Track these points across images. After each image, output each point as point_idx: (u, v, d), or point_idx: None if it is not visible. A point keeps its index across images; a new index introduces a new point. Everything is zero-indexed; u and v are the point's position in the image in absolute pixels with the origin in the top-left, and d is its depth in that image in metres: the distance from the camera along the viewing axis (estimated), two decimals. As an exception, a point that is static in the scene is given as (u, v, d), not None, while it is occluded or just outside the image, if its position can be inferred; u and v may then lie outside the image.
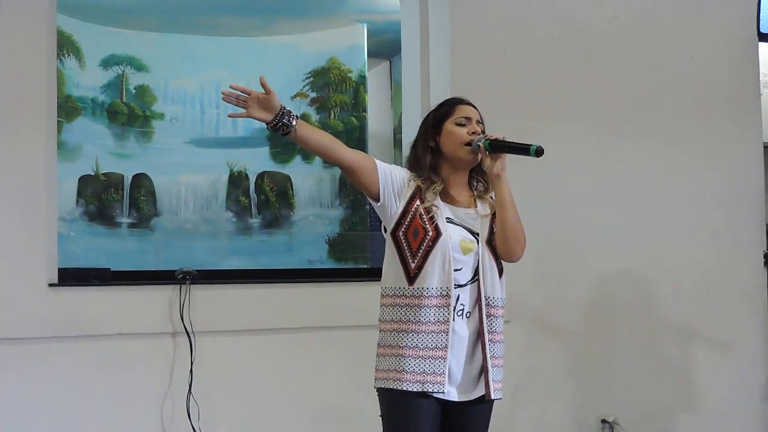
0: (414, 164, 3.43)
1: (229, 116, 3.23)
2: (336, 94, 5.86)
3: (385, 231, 3.38)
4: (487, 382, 3.32)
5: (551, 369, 5.75)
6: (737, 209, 6.21)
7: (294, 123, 3.14)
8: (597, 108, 5.94)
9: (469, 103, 3.50)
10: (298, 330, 5.14)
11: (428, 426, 3.30)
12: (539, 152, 3.28)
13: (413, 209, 3.30)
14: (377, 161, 3.31)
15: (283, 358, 5.12)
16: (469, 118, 3.41)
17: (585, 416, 5.81)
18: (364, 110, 5.89)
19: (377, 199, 3.32)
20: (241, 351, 5.05)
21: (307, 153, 5.79)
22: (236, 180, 5.63)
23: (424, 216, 3.29)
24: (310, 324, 5.17)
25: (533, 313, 5.70)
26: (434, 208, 3.30)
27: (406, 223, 3.30)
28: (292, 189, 5.67)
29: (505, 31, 5.70)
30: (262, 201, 5.65)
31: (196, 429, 4.85)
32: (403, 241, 3.30)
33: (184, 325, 4.87)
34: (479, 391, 3.34)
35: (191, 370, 4.86)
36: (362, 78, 5.91)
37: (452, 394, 3.29)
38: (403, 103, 5.79)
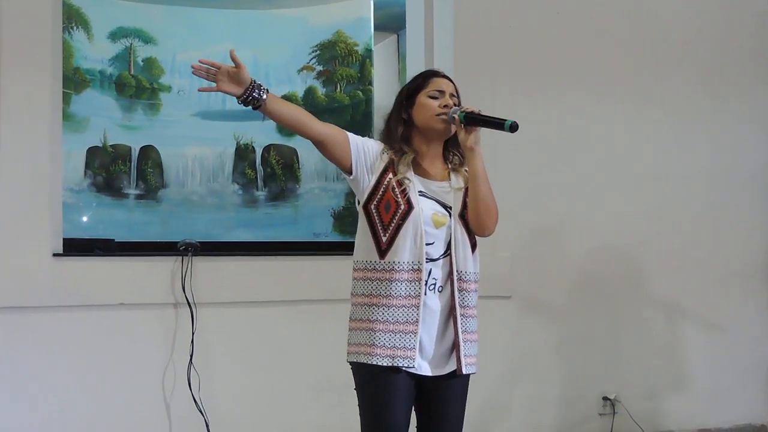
0: (387, 137, 3.45)
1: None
2: (342, 68, 5.86)
3: (358, 204, 3.39)
4: (459, 357, 3.34)
5: (552, 346, 5.80)
6: (742, 187, 6.20)
7: (264, 96, 3.16)
8: (601, 84, 5.95)
9: (445, 76, 3.49)
10: (299, 302, 5.21)
11: (401, 400, 3.32)
12: (513, 127, 3.25)
13: (385, 182, 3.31)
14: (349, 134, 3.34)
15: (283, 330, 5.19)
16: (442, 91, 3.41)
17: (586, 393, 5.86)
18: (370, 84, 5.89)
19: (350, 173, 3.34)
20: (242, 322, 5.14)
21: None
22: (243, 153, 5.64)
23: (397, 189, 3.29)
24: (311, 297, 5.23)
25: (533, 290, 5.74)
26: (407, 181, 3.31)
27: (378, 196, 3.30)
28: (298, 162, 5.68)
29: (509, 5, 5.71)
30: (269, 174, 5.66)
31: (196, 399, 4.93)
32: (375, 214, 3.30)
33: (185, 296, 4.95)
34: (452, 366, 3.36)
35: (192, 341, 4.96)
36: (368, 51, 5.90)
37: (425, 368, 3.31)
38: (407, 77, 5.77)
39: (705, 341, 6.18)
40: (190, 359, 4.96)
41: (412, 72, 5.76)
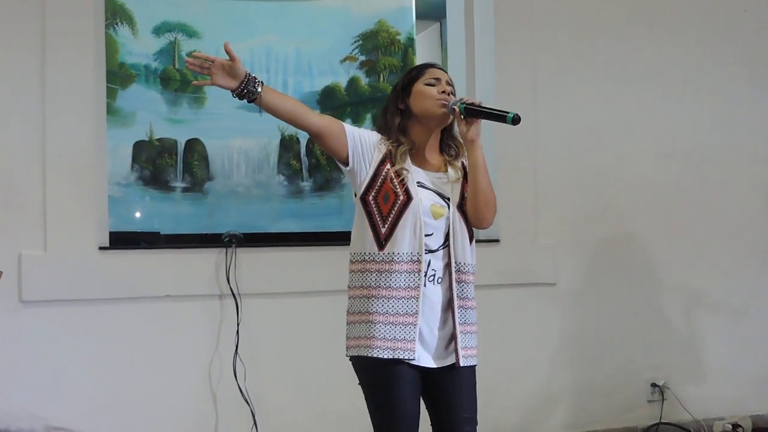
0: (383, 128, 3.40)
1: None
2: (385, 57, 5.83)
3: (355, 196, 3.35)
4: (456, 349, 3.28)
5: (599, 333, 5.74)
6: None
7: (259, 89, 3.12)
8: (644, 67, 5.88)
9: (440, 67, 3.45)
10: (343, 292, 5.12)
11: (407, 390, 3.27)
12: (516, 120, 3.18)
13: (383, 173, 3.27)
14: (345, 125, 3.29)
15: (328, 319, 5.09)
16: (438, 79, 3.36)
17: (634, 380, 5.79)
18: (413, 72, 5.82)
19: (346, 164, 3.30)
20: (286, 313, 5.14)
21: (357, 117, 5.80)
22: (287, 144, 5.64)
23: (395, 180, 3.25)
24: (356, 286, 5.17)
25: (578, 276, 5.67)
26: (405, 172, 3.27)
27: (377, 187, 3.26)
28: (334, 154, 5.63)
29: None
30: (313, 164, 5.65)
31: (242, 389, 4.93)
32: (374, 205, 3.26)
33: (230, 288, 4.94)
34: (453, 358, 3.31)
35: (237, 332, 4.95)
36: (410, 40, 5.87)
37: (426, 360, 3.27)
38: (449, 65, 5.74)
39: (756, 327, 6.08)
40: (236, 350, 4.97)
41: (454, 60, 5.78)
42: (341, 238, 5.43)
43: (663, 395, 5.82)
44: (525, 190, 5.57)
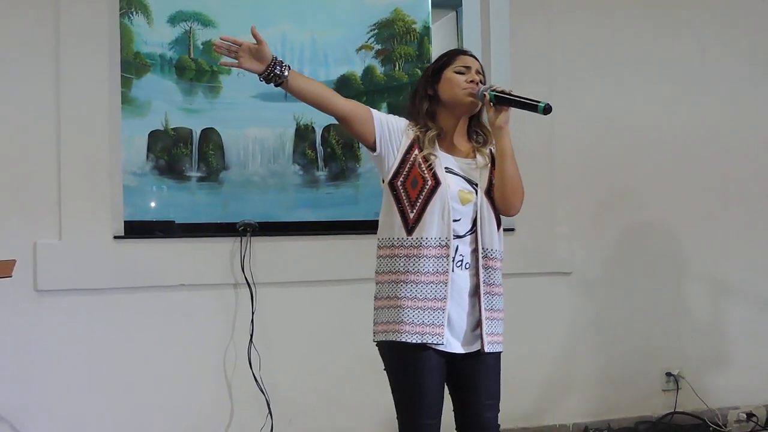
0: (412, 113, 3.40)
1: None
2: (400, 46, 5.76)
3: (383, 182, 3.34)
4: (482, 335, 3.26)
5: (614, 322, 5.70)
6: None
7: (286, 73, 3.12)
8: (661, 56, 5.83)
9: (471, 55, 3.44)
10: (358, 281, 5.10)
11: (433, 378, 3.26)
12: (547, 110, 3.17)
13: (411, 158, 3.25)
14: (373, 110, 3.28)
15: (343, 308, 5.13)
16: (468, 67, 3.36)
17: (649, 369, 5.76)
18: (429, 61, 5.75)
19: (374, 149, 3.29)
20: (301, 302, 5.12)
21: (373, 106, 5.37)
22: (303, 133, 5.58)
23: (423, 165, 3.23)
24: (371, 275, 5.10)
25: (594, 265, 5.63)
26: (433, 157, 3.25)
27: (405, 172, 3.24)
28: (357, 141, 5.57)
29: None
30: (329, 154, 5.60)
31: (257, 378, 4.91)
32: (402, 190, 3.24)
33: (245, 277, 4.91)
34: (479, 344, 3.30)
35: (252, 321, 4.92)
36: (426, 29, 5.80)
37: (454, 345, 3.26)
38: None
39: (771, 315, 6.01)
40: (251, 339, 4.95)
41: (469, 48, 5.69)
42: (356, 228, 5.47)
43: (678, 384, 5.79)
44: (541, 178, 5.52)
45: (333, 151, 5.61)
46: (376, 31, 5.75)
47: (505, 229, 5.23)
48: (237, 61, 3.13)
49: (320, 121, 5.58)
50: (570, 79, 5.54)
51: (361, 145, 5.50)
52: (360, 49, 5.74)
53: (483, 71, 3.43)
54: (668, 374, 5.78)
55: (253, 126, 5.52)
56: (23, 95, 4.71)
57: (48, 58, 4.74)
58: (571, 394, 5.68)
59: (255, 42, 3.13)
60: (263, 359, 4.96)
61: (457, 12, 6.15)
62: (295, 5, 5.65)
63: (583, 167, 5.65)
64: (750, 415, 5.86)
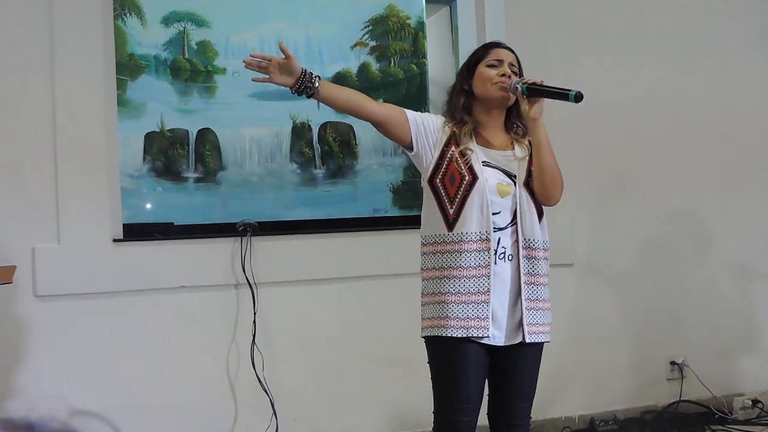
0: (449, 109, 3.41)
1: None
2: (395, 42, 5.68)
3: (423, 180, 3.34)
4: (522, 325, 3.24)
5: (617, 312, 5.67)
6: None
7: (317, 84, 3.15)
8: (658, 43, 5.79)
9: (506, 47, 3.43)
10: (359, 278, 5.07)
11: (475, 371, 3.25)
12: (578, 98, 3.17)
13: (449, 155, 3.26)
14: (407, 111, 3.28)
15: (345, 306, 5.06)
16: (501, 60, 3.35)
17: (653, 358, 5.72)
18: (424, 57, 5.72)
19: (411, 149, 3.30)
20: (303, 301, 5.06)
21: None
22: (299, 131, 5.48)
23: (460, 161, 3.24)
24: (372, 272, 5.07)
25: (596, 255, 5.59)
26: (469, 152, 3.25)
27: (443, 169, 3.25)
28: (354, 138, 5.51)
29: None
30: (326, 151, 5.51)
31: (260, 378, 4.82)
32: (441, 187, 3.25)
33: (246, 277, 4.82)
34: (521, 335, 3.28)
35: (254, 321, 4.83)
36: (421, 24, 5.72)
37: (498, 338, 3.24)
38: (460, 48, 5.60)
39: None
40: (253, 339, 4.86)
41: (464, 43, 5.63)
42: (355, 225, 5.36)
43: (682, 373, 5.75)
44: None
45: (330, 149, 5.53)
46: (370, 27, 5.67)
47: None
48: (268, 77, 3.18)
49: (317, 119, 5.50)
50: (567, 69, 5.45)
51: (358, 142, 5.48)
52: (355, 45, 5.66)
53: (518, 62, 3.43)
54: (672, 363, 5.73)
55: (250, 125, 5.44)
56: (18, 98, 4.60)
57: (43, 61, 4.63)
58: (576, 386, 5.61)
59: (283, 57, 3.17)
60: (266, 359, 4.87)
61: (450, 6, 6.05)
62: (289, 3, 5.58)
63: (583, 157, 5.56)
64: (755, 402, 5.79)
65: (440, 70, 5.81)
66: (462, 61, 3.56)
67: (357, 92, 3.30)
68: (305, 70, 3.18)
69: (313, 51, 5.55)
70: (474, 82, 3.39)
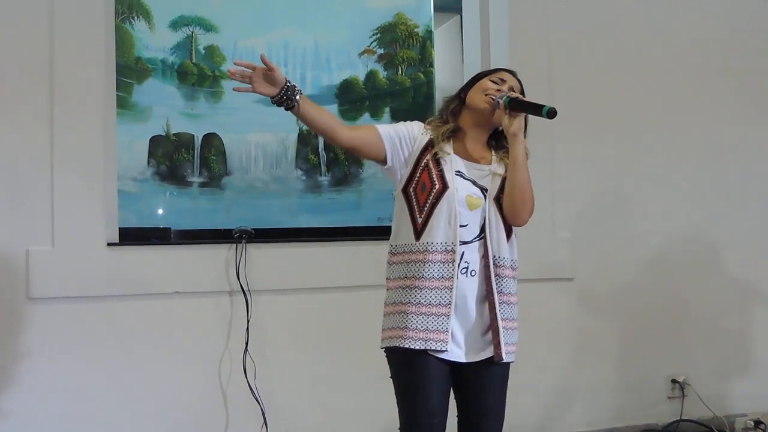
0: (439, 112, 3.38)
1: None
2: (403, 50, 5.56)
3: (395, 190, 3.27)
4: (498, 344, 3.15)
5: (618, 328, 5.52)
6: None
7: (298, 98, 3.05)
8: (663, 58, 5.67)
9: (514, 74, 3.38)
10: (354, 288, 4.91)
11: (436, 385, 3.15)
12: (551, 113, 3.07)
13: (423, 162, 3.17)
14: (379, 128, 3.21)
15: (339, 316, 4.94)
16: (504, 81, 3.28)
17: (654, 376, 5.60)
18: (431, 65, 5.60)
19: (385, 163, 3.22)
20: (297, 309, 4.91)
21: (376, 110, 5.57)
22: (305, 138, 5.36)
23: (433, 169, 3.15)
24: (369, 282, 4.88)
25: (596, 271, 5.47)
26: (444, 155, 3.17)
27: (416, 178, 3.16)
28: (361, 148, 5.32)
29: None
30: (331, 159, 5.39)
31: (252, 387, 4.71)
32: (413, 196, 3.17)
33: (240, 284, 4.67)
34: (488, 353, 3.17)
35: (248, 329, 4.71)
36: (429, 33, 5.61)
37: (457, 354, 3.14)
38: (464, 58, 5.47)
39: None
40: (246, 347, 4.72)
41: (469, 53, 5.46)
42: (359, 233, 5.22)
43: (683, 391, 5.58)
44: (541, 183, 5.13)
45: (336, 156, 5.42)
46: (378, 35, 5.55)
47: (504, 234, 5.11)
48: (251, 86, 3.10)
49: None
50: (570, 82, 5.34)
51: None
52: (362, 53, 5.55)
53: (523, 91, 3.36)
54: (674, 381, 5.57)
55: (256, 131, 5.33)
56: (16, 99, 4.48)
57: (42, 63, 4.50)
58: (576, 403, 5.45)
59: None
60: (259, 368, 4.74)
61: (461, 16, 5.89)
62: (298, 9, 5.47)
63: (585, 171, 5.43)
64: (758, 423, 5.60)
65: (448, 79, 5.67)
66: (468, 70, 3.43)
67: (333, 116, 3.23)
68: (288, 81, 3.08)
69: (321, 58, 5.44)
70: (471, 91, 3.32)
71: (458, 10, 5.88)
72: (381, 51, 5.53)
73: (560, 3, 5.37)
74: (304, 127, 5.32)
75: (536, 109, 3.14)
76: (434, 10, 5.63)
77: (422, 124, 3.32)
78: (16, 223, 4.44)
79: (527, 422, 5.27)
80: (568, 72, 5.37)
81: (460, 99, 3.35)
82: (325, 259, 4.93)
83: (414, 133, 3.26)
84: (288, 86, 3.06)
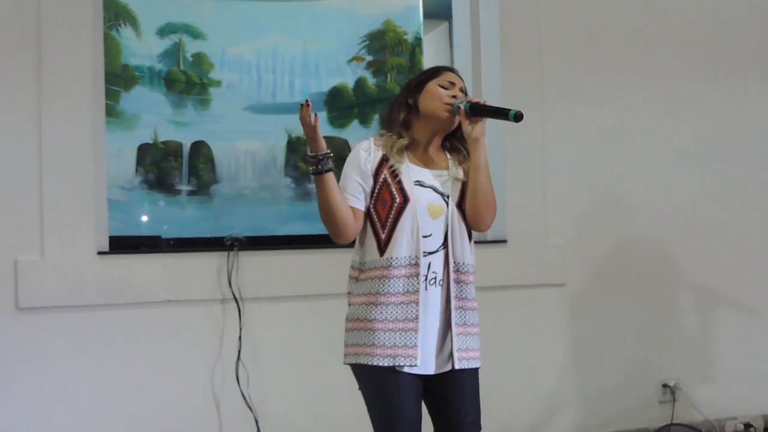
0: (387, 121, 3.22)
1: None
2: (392, 57, 5.51)
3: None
4: (452, 351, 3.06)
5: (609, 333, 5.44)
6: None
7: (330, 166, 2.94)
8: (652, 66, 5.59)
9: (457, 73, 3.26)
10: (346, 295, 4.78)
11: (408, 399, 3.05)
12: (518, 117, 3.00)
13: (382, 177, 3.05)
14: (353, 202, 3.07)
15: (331, 323, 4.74)
16: (453, 83, 3.16)
17: (645, 381, 5.53)
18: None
19: None
20: (289, 317, 4.81)
21: (365, 117, 5.53)
22: (294, 146, 5.29)
23: (392, 184, 3.04)
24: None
25: (588, 277, 5.40)
26: (401, 167, 3.06)
27: (376, 193, 3.05)
28: (349, 154, 5.24)
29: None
30: (321, 166, 5.24)
31: (245, 395, 4.61)
32: (374, 213, 3.05)
33: (232, 292, 4.58)
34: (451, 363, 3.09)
35: (240, 337, 4.62)
36: (418, 40, 5.56)
37: (427, 366, 3.04)
38: (455, 64, 5.39)
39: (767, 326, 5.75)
40: (238, 355, 4.62)
41: (460, 59, 5.38)
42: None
43: (674, 396, 5.51)
44: (533, 189, 5.27)
45: (325, 164, 5.27)
46: (367, 42, 5.50)
47: (496, 241, 5.06)
48: (315, 126, 2.90)
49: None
50: (562, 89, 5.27)
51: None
52: (351, 60, 5.49)
53: (466, 91, 3.22)
54: (664, 385, 5.50)
55: (245, 139, 5.27)
56: (3, 107, 4.35)
57: (29, 71, 4.38)
58: (567, 408, 5.36)
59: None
60: (251, 376, 4.63)
61: (449, 22, 5.85)
62: (286, 17, 5.42)
63: (576, 178, 5.35)
64: (747, 426, 5.56)
65: (437, 85, 5.57)
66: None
67: (346, 205, 3.02)
68: (329, 152, 2.93)
69: (310, 65, 5.39)
70: (421, 97, 3.15)
71: (447, 17, 5.83)
72: (370, 58, 5.47)
73: (551, 9, 5.30)
74: (294, 135, 5.26)
75: (501, 114, 3.05)
76: (423, 17, 5.58)
77: (368, 141, 3.16)
78: (4, 232, 4.31)
79: (519, 427, 5.21)
80: (560, 78, 5.31)
81: (408, 107, 3.18)
82: (317, 267, 4.81)
83: (363, 158, 3.09)
84: (328, 153, 2.93)
